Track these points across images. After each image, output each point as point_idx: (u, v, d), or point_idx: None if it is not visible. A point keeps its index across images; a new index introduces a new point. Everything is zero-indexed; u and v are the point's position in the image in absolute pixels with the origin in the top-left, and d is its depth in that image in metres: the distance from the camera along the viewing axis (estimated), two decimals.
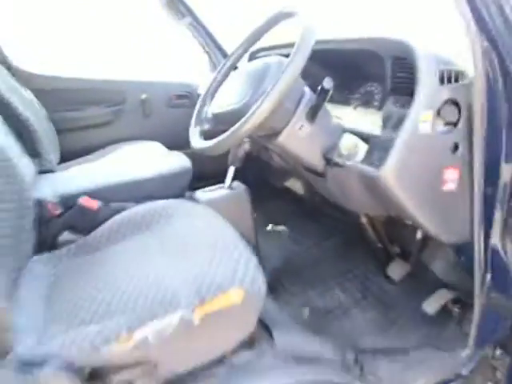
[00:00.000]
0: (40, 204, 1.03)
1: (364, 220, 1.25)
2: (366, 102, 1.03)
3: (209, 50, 1.95)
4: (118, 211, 1.06)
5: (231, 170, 1.27)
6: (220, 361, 0.76)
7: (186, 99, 1.97)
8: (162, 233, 0.94)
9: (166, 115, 1.97)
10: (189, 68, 2.18)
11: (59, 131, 1.73)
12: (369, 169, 0.82)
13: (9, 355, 0.60)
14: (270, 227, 1.71)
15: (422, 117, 0.77)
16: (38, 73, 1.77)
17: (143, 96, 1.92)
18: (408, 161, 0.80)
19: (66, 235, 1.02)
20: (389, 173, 0.79)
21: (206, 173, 1.54)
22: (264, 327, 0.90)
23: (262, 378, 0.75)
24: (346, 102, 1.11)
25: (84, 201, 1.03)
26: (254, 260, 0.82)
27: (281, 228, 1.68)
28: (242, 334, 0.76)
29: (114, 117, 1.89)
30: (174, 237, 0.91)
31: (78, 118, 1.83)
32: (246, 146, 1.21)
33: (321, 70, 1.14)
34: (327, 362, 0.86)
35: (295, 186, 1.76)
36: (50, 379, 0.61)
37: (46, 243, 1.01)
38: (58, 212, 1.04)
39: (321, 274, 1.37)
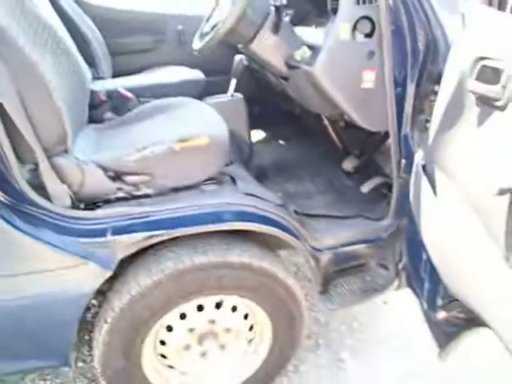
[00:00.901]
0: (93, 92, 1.49)
1: (326, 121, 1.59)
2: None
3: None
4: (145, 102, 1.50)
5: (233, 82, 1.65)
6: (194, 187, 1.18)
7: None
8: (171, 112, 1.36)
9: None
10: None
11: (111, 54, 2.17)
12: (307, 68, 1.17)
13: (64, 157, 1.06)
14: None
15: (342, 28, 1.09)
16: (96, 4, 2.21)
17: (180, 27, 2.29)
18: (332, 62, 1.13)
19: (108, 115, 1.48)
20: (318, 70, 1.14)
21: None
22: (232, 180, 1.31)
23: (221, 197, 1.16)
24: (319, 24, 1.42)
25: (122, 90, 1.48)
26: (224, 127, 1.21)
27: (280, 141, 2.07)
28: (210, 170, 1.18)
29: (156, 44, 2.29)
30: (179, 114, 1.33)
31: (126, 43, 2.25)
32: (244, 61, 1.57)
33: (306, 2, 1.46)
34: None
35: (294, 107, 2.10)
36: (92, 171, 1.07)
37: (95, 119, 1.47)
38: (104, 99, 1.49)
39: (298, 172, 1.75)
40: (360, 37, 1.12)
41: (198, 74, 1.81)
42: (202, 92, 1.77)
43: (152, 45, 2.29)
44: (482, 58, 0.79)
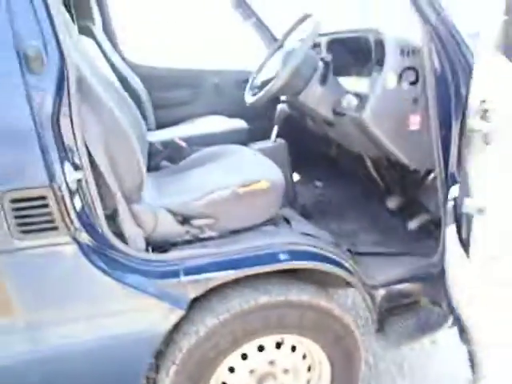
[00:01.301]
0: (150, 144, 1.62)
1: (368, 162, 1.66)
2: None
3: (268, 43, 2.45)
4: (197, 151, 1.61)
5: (275, 129, 1.76)
6: (253, 228, 1.25)
7: None
8: (223, 160, 1.46)
9: (234, 96, 2.50)
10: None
11: (154, 107, 2.34)
12: (356, 114, 1.26)
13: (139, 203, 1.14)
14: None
15: (389, 78, 1.19)
16: (141, 63, 2.42)
17: (216, 81, 2.48)
18: (381, 108, 1.22)
19: (164, 163, 1.59)
20: (367, 116, 1.23)
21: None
22: (286, 221, 1.37)
23: (281, 237, 1.21)
24: (360, 74, 1.53)
25: (177, 140, 1.61)
26: (279, 171, 1.30)
27: (317, 182, 2.15)
28: (270, 212, 1.25)
29: (194, 96, 2.47)
30: (231, 161, 1.43)
31: (167, 97, 2.44)
32: (286, 109, 1.69)
33: (346, 54, 1.59)
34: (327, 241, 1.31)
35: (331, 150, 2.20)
36: (163, 216, 1.15)
37: (153, 167, 1.58)
38: (160, 148, 1.62)
39: (341, 211, 1.81)
40: (405, 85, 1.22)
41: (240, 123, 1.94)
42: (245, 139, 1.89)
43: (190, 97, 2.47)
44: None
